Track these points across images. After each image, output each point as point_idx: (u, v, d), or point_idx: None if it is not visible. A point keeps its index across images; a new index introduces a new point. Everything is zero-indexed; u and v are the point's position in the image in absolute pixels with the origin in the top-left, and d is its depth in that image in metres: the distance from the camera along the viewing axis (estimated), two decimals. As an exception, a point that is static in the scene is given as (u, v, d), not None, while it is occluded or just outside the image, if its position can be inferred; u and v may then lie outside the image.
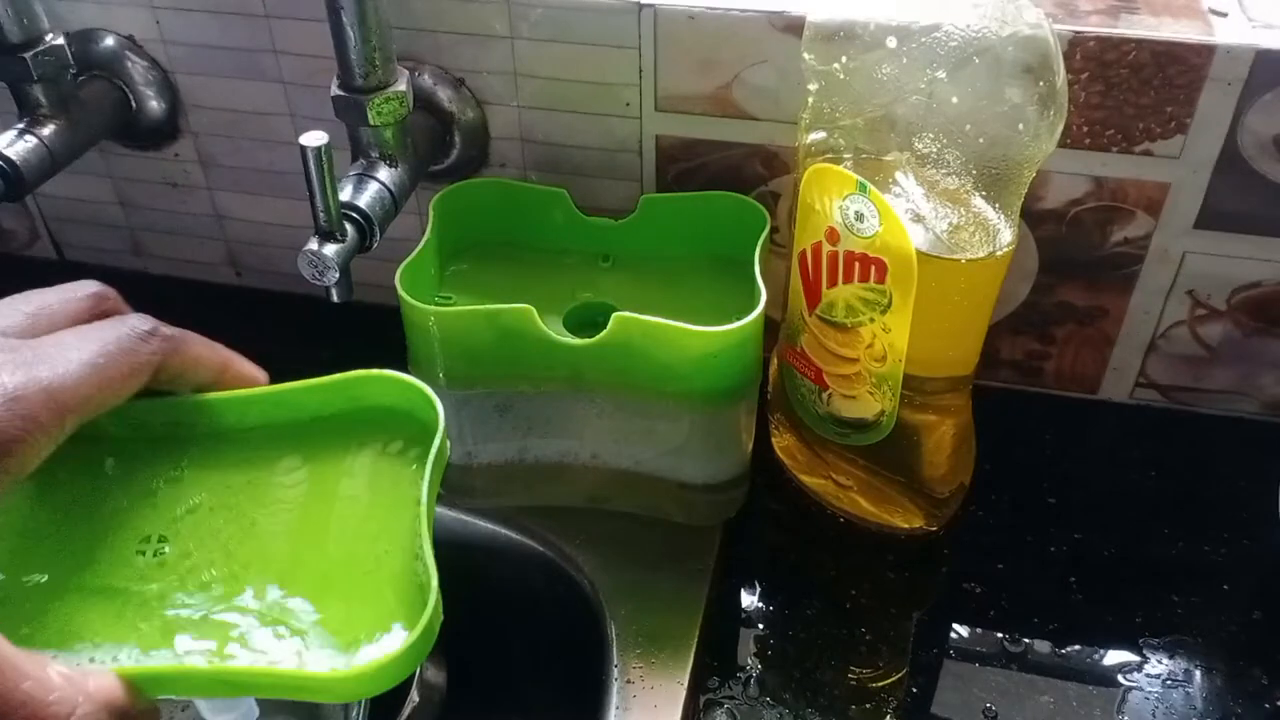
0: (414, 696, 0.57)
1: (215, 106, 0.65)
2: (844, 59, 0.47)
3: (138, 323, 0.37)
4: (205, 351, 0.39)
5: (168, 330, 0.37)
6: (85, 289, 0.38)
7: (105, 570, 0.37)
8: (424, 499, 0.37)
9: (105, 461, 0.40)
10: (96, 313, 0.38)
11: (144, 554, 0.37)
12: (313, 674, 0.34)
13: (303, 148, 0.47)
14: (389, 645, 0.34)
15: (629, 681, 0.51)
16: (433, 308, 0.51)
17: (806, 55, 0.49)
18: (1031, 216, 0.58)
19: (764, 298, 0.50)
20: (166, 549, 0.38)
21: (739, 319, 0.49)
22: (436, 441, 0.37)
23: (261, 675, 0.34)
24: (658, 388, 0.52)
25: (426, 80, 0.60)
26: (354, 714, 0.54)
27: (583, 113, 0.60)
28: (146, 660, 0.35)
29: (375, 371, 0.40)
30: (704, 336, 0.49)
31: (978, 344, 0.53)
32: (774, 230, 0.59)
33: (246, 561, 0.37)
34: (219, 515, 0.39)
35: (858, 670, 0.53)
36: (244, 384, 0.40)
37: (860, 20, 0.47)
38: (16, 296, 0.37)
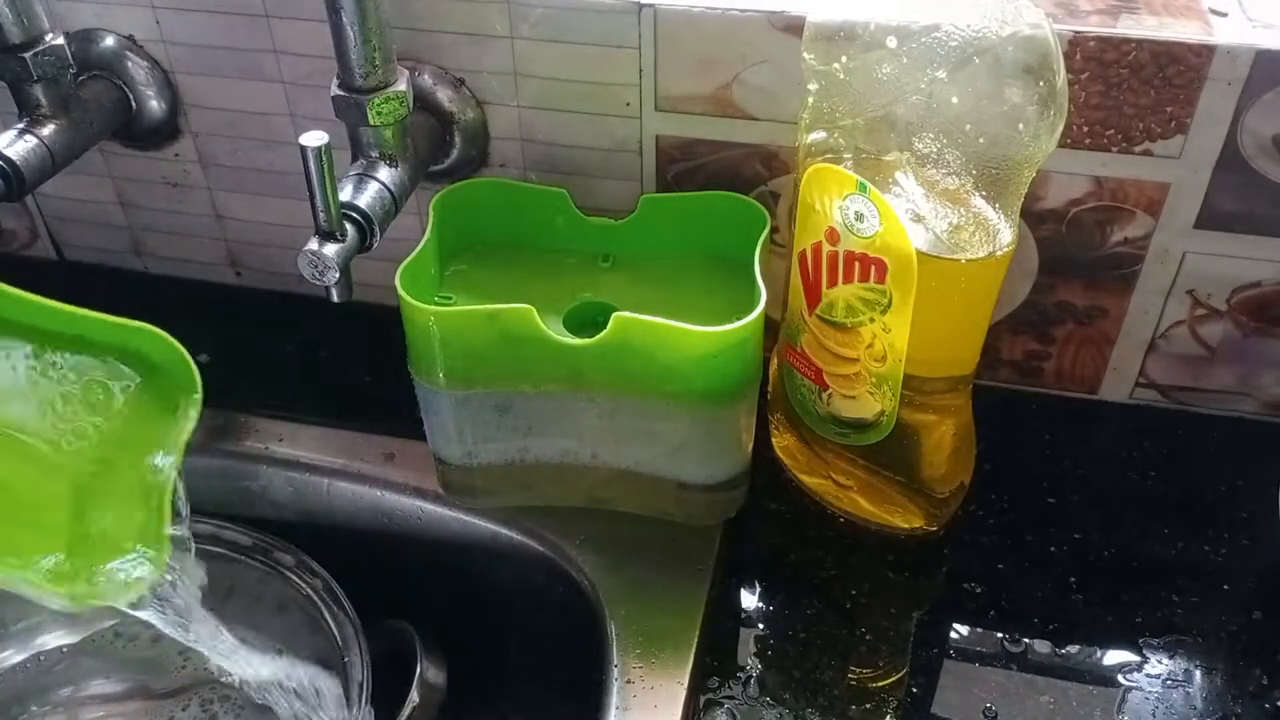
0: (414, 696, 0.57)
1: (215, 106, 0.65)
2: (844, 59, 0.47)
3: None
4: None
5: None
6: None
7: None
8: (179, 447, 0.42)
9: None
10: None
11: None
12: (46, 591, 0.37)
13: (303, 148, 0.47)
14: (122, 573, 0.36)
15: (629, 681, 0.51)
16: (433, 308, 0.51)
17: (806, 55, 0.49)
18: (1031, 216, 0.58)
19: (764, 298, 0.50)
20: None
21: (739, 319, 0.49)
22: (196, 403, 0.43)
23: None
24: (658, 388, 0.52)
25: (426, 80, 0.60)
26: (355, 713, 0.54)
27: (583, 113, 0.60)
28: None
29: (141, 325, 0.44)
30: (704, 337, 0.49)
31: (978, 344, 0.53)
32: (774, 230, 0.59)
33: None
34: None
35: (858, 670, 0.53)
36: None
37: (860, 20, 0.47)
38: None
